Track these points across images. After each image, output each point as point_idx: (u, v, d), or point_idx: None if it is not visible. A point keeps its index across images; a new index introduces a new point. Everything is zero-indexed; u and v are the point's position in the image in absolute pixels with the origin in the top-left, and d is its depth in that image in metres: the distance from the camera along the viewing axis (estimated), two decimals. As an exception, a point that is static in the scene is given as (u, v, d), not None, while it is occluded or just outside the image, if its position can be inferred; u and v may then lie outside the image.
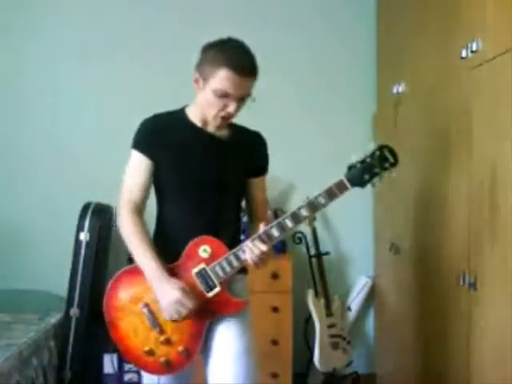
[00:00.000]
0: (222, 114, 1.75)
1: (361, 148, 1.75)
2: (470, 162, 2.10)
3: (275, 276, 2.93)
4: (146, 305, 1.75)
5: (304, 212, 1.70)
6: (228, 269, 1.72)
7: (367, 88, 3.35)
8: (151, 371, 1.79)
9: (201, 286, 1.72)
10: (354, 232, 3.40)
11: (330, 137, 3.35)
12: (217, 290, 1.72)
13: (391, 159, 1.69)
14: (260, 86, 3.26)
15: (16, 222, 3.22)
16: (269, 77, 3.31)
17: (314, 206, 1.69)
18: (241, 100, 1.75)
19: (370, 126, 3.31)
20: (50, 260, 3.15)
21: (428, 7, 2.50)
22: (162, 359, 1.75)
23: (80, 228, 2.90)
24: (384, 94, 3.15)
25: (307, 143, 3.32)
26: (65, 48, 3.27)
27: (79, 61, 3.26)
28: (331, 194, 1.69)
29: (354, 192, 3.24)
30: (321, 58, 3.37)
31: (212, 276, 1.72)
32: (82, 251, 2.89)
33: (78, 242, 2.90)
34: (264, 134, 1.99)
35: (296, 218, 1.70)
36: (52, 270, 3.12)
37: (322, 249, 3.22)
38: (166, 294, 1.68)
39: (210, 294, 1.73)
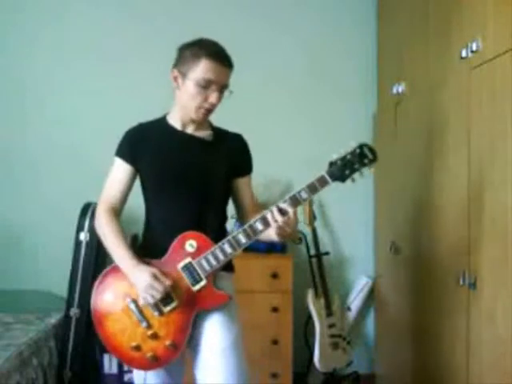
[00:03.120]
0: (205, 105, 1.81)
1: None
2: (470, 161, 2.10)
3: (275, 276, 2.93)
4: (133, 300, 1.78)
5: (287, 205, 1.74)
6: (213, 262, 1.76)
7: (367, 88, 3.35)
8: (138, 367, 1.83)
9: (187, 280, 1.76)
10: (354, 232, 3.40)
11: (330, 137, 3.35)
12: (203, 283, 1.76)
13: (370, 156, 1.77)
14: (260, 86, 3.30)
15: (16, 222, 3.23)
16: (269, 77, 3.36)
17: (296, 200, 1.75)
18: (221, 90, 1.81)
19: (370, 125, 3.31)
20: (50, 260, 3.15)
21: (428, 7, 2.50)
22: (149, 354, 1.78)
23: (80, 228, 2.91)
24: (384, 93, 3.15)
25: (307, 143, 3.32)
26: (66, 50, 3.27)
27: (79, 62, 3.26)
28: (313, 188, 1.75)
29: (354, 192, 3.28)
30: (321, 58, 3.38)
31: (198, 269, 1.76)
32: (82, 251, 2.90)
33: (77, 242, 2.91)
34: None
35: (280, 211, 1.74)
36: (52, 270, 3.12)
37: (322, 249, 3.22)
38: (138, 280, 1.73)
39: (196, 287, 1.76)
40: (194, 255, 1.77)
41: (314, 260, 3.19)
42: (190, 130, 1.89)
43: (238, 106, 3.26)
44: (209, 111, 1.83)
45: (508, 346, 1.85)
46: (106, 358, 2.99)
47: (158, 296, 1.72)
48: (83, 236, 2.90)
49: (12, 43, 3.26)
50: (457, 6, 2.19)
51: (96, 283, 1.85)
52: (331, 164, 1.77)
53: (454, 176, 2.24)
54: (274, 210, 1.73)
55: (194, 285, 1.76)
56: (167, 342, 1.77)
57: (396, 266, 2.96)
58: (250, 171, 1.98)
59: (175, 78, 1.83)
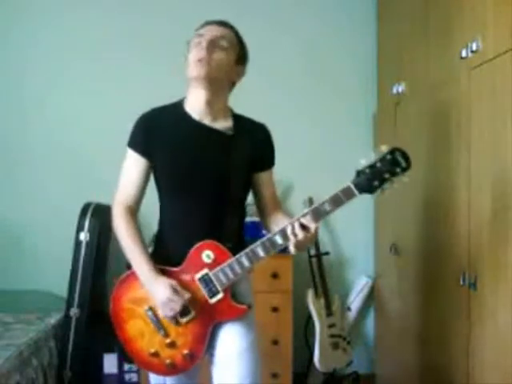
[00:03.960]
0: (198, 55, 1.70)
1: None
2: (470, 161, 2.10)
3: (275, 276, 2.93)
4: (150, 308, 1.75)
5: (308, 219, 1.63)
6: (231, 275, 1.70)
7: (367, 88, 3.35)
8: (157, 372, 1.80)
9: (204, 292, 1.72)
10: (354, 232, 3.40)
11: (330, 137, 3.36)
12: (220, 296, 1.72)
13: (403, 164, 1.59)
14: (260, 87, 3.30)
15: (16, 222, 3.23)
16: (269, 77, 3.35)
17: (318, 214, 1.62)
18: (213, 48, 1.71)
19: (370, 125, 3.31)
20: (50, 260, 3.15)
21: (428, 7, 2.50)
22: (168, 361, 1.75)
23: (80, 228, 2.90)
24: (384, 93, 3.15)
25: (307, 143, 3.32)
26: (66, 50, 3.27)
27: (79, 61, 3.26)
28: (337, 201, 1.63)
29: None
30: (321, 59, 3.38)
31: (215, 281, 1.71)
32: (82, 251, 2.89)
33: (78, 241, 2.91)
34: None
35: (302, 225, 1.64)
36: (52, 270, 3.12)
37: (322, 249, 3.22)
38: (157, 294, 1.69)
39: (213, 300, 1.72)
40: (211, 266, 1.70)
41: (313, 260, 3.19)
42: (207, 121, 1.76)
43: (238, 105, 3.28)
44: (203, 62, 1.69)
45: (509, 346, 1.85)
46: (106, 357, 2.99)
47: (178, 309, 1.68)
48: (83, 236, 2.90)
49: (12, 43, 3.26)
50: (457, 6, 2.19)
51: (115, 287, 1.81)
52: (358, 173, 1.60)
53: (454, 176, 2.24)
54: (296, 224, 1.62)
55: (211, 297, 1.71)
56: (185, 352, 1.74)
57: (396, 267, 2.96)
58: (273, 165, 1.88)
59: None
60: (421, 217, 2.62)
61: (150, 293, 1.72)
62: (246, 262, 1.69)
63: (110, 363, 2.99)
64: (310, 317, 3.13)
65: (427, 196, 2.54)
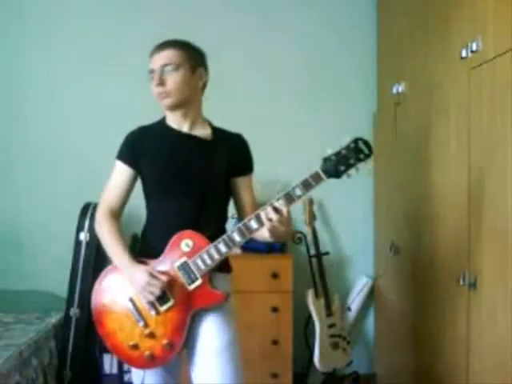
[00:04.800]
0: (156, 91, 1.83)
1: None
2: (470, 161, 2.10)
3: (275, 276, 2.93)
4: (131, 299, 1.81)
5: (281, 203, 1.73)
6: (209, 261, 1.76)
7: (367, 88, 3.35)
8: (136, 365, 1.85)
9: (183, 279, 1.78)
10: (354, 232, 3.40)
11: (329, 137, 3.34)
12: (198, 282, 1.77)
13: (366, 151, 1.73)
14: (260, 86, 3.30)
15: (16, 222, 3.23)
16: (269, 77, 3.35)
17: (290, 198, 1.73)
18: (167, 72, 1.81)
19: (370, 125, 3.31)
20: (50, 260, 3.15)
21: (428, 7, 2.50)
22: (147, 353, 1.79)
23: (80, 228, 2.91)
24: (384, 94, 3.15)
25: (307, 143, 3.32)
26: (66, 50, 3.27)
27: (79, 62, 3.26)
28: (307, 185, 1.73)
29: (354, 192, 3.28)
30: (321, 58, 3.38)
31: (193, 269, 1.77)
32: (82, 251, 2.90)
33: (77, 242, 2.91)
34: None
35: (275, 209, 1.72)
36: (52, 270, 3.12)
37: (322, 249, 3.21)
38: (136, 279, 1.77)
39: (192, 287, 1.78)
40: (189, 254, 1.78)
41: (314, 260, 3.19)
42: (185, 128, 1.89)
43: (237, 105, 3.29)
44: (163, 95, 1.82)
45: (508, 346, 1.85)
46: (106, 357, 2.99)
47: (157, 292, 1.75)
48: (83, 236, 2.90)
49: (12, 44, 3.26)
50: (457, 6, 2.19)
51: (96, 282, 1.88)
52: (325, 160, 1.75)
53: (454, 176, 2.25)
54: (268, 208, 1.72)
55: (189, 284, 1.77)
56: (164, 342, 1.79)
57: (396, 266, 2.96)
58: (250, 171, 1.97)
59: None
60: (421, 217, 2.62)
61: (129, 281, 1.79)
62: (223, 248, 1.76)
63: (109, 363, 2.99)
64: (310, 317, 3.13)
65: (427, 196, 2.54)
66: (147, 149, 1.88)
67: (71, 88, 3.27)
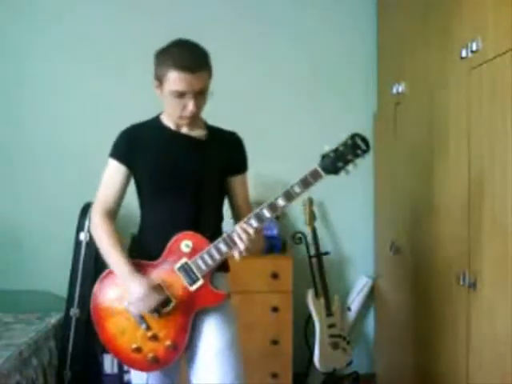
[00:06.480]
0: (185, 113, 1.77)
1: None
2: (470, 161, 2.10)
3: (275, 276, 2.93)
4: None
5: (281, 201, 1.74)
6: (209, 261, 1.76)
7: (367, 88, 3.35)
8: (140, 368, 1.83)
9: (184, 280, 1.77)
10: (354, 232, 3.40)
11: (329, 137, 3.34)
12: (200, 282, 1.77)
13: (363, 146, 1.74)
14: (260, 86, 3.30)
15: (16, 222, 3.22)
16: (269, 77, 3.35)
17: (289, 195, 1.74)
18: (199, 95, 1.76)
19: (370, 125, 3.31)
20: (49, 260, 3.15)
21: (428, 7, 2.50)
22: (150, 355, 1.78)
23: (80, 228, 2.91)
24: (384, 93, 3.15)
25: (307, 143, 3.32)
26: (66, 50, 3.26)
27: (79, 62, 3.26)
28: (306, 182, 1.74)
29: (354, 192, 3.28)
30: (321, 58, 3.38)
31: (194, 269, 1.77)
32: (82, 251, 2.90)
33: (78, 242, 2.91)
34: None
35: (273, 207, 1.74)
36: (52, 270, 3.12)
37: (322, 249, 3.22)
38: (133, 290, 1.74)
39: (194, 287, 1.77)
40: (189, 255, 1.77)
41: (314, 260, 3.19)
42: (184, 129, 1.87)
43: (238, 105, 3.29)
44: (191, 118, 1.79)
45: (508, 346, 1.85)
46: (106, 357, 2.99)
47: (153, 306, 1.73)
48: (83, 236, 2.90)
49: (12, 43, 3.26)
50: (457, 6, 2.19)
51: (95, 286, 1.85)
52: (323, 157, 1.76)
53: (454, 176, 2.25)
54: (265, 207, 1.73)
55: (191, 285, 1.77)
56: (167, 343, 1.78)
57: (396, 266, 2.96)
58: (245, 170, 1.96)
59: (157, 87, 1.80)
60: (420, 216, 2.62)
61: (125, 287, 1.76)
62: (223, 248, 1.76)
63: (109, 363, 2.99)
64: (310, 317, 3.13)
65: (427, 196, 2.53)
66: (142, 148, 1.85)
67: (71, 88, 3.27)
